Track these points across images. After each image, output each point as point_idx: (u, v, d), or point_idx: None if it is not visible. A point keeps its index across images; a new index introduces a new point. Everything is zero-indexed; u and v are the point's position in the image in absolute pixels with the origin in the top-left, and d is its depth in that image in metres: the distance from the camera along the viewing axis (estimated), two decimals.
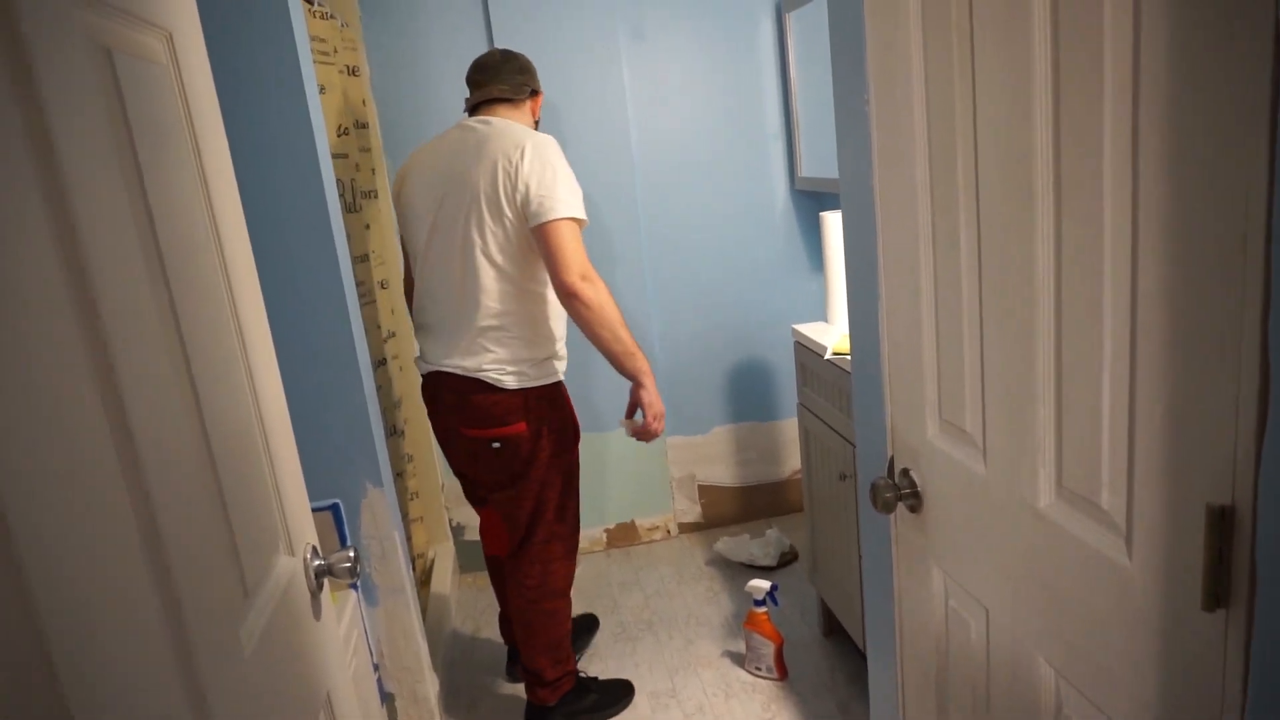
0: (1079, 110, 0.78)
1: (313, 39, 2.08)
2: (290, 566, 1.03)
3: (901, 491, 1.23)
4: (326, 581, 1.11)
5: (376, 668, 2.02)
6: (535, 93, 2.13)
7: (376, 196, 2.70)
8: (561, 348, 2.09)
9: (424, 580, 2.90)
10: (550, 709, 2.21)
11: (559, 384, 2.09)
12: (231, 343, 0.94)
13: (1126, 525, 0.81)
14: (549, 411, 2.05)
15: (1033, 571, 0.97)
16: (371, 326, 2.52)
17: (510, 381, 1.98)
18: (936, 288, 1.10)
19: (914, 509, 1.24)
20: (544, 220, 1.87)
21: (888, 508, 1.24)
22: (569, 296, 1.89)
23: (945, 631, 1.23)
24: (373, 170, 2.65)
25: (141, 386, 0.68)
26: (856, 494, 2.08)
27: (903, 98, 1.10)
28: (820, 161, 2.81)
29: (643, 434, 2.05)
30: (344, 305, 1.82)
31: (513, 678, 2.48)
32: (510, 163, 1.89)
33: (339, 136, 2.32)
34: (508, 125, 1.99)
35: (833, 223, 2.27)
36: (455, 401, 2.02)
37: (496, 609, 2.61)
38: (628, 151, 2.96)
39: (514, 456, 2.02)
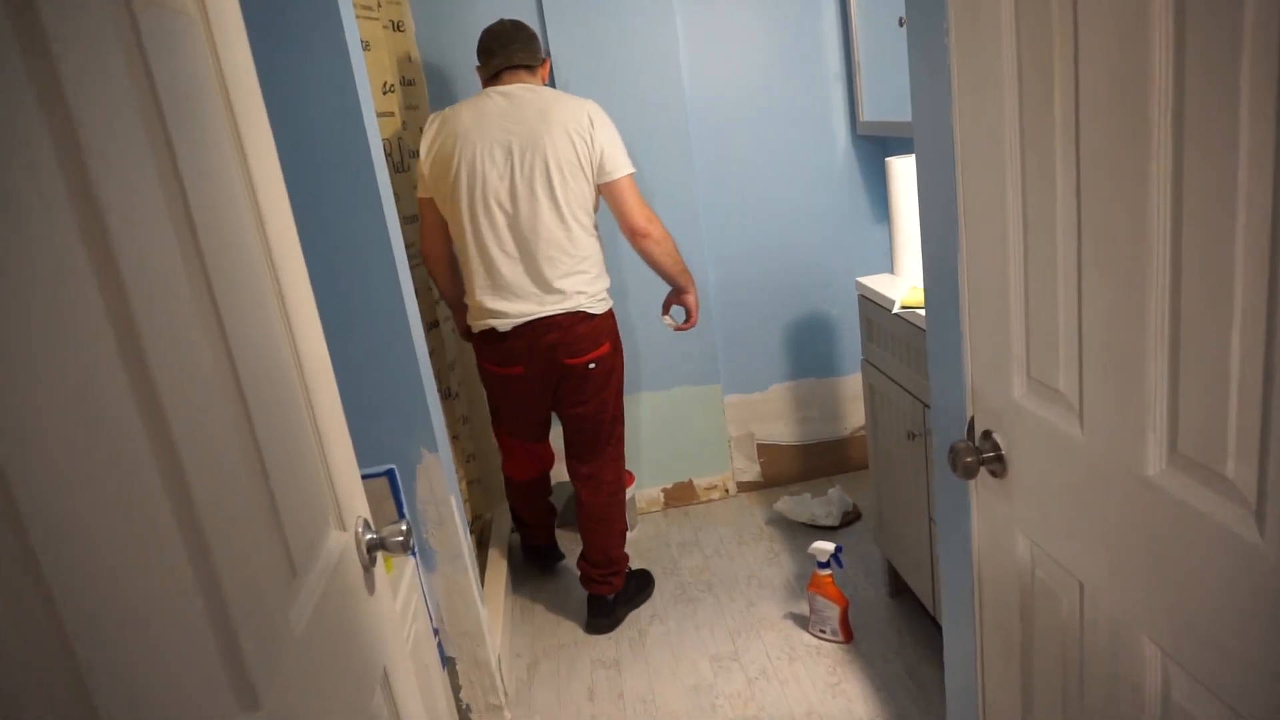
0: (1208, 21, 0.68)
1: None
2: (341, 542, 1.00)
3: (984, 455, 1.14)
4: (380, 555, 1.08)
5: (436, 633, 2.01)
6: (544, 59, 2.35)
7: None
8: None
9: (481, 542, 2.90)
10: (613, 603, 2.54)
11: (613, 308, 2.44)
12: (270, 309, 0.89)
13: (1257, 498, 0.72)
14: (617, 331, 2.42)
15: (1138, 545, 0.88)
16: (423, 289, 2.49)
17: (599, 308, 2.32)
18: (1026, 234, 0.99)
19: (996, 474, 1.15)
20: (615, 178, 2.21)
21: (969, 473, 1.15)
22: (641, 237, 2.27)
23: (1031, 603, 1.15)
24: (420, 129, 2.59)
25: (171, 355, 0.63)
26: (927, 454, 1.99)
27: (989, 24, 0.99)
28: (884, 104, 2.67)
29: (685, 328, 2.56)
30: (393, 266, 1.78)
31: (547, 568, 2.89)
32: (583, 128, 2.17)
33: (384, 94, 2.26)
34: (557, 94, 2.25)
35: (900, 168, 2.14)
36: (559, 337, 2.28)
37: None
38: (681, 99, 2.85)
39: (601, 372, 2.36)
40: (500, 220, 2.20)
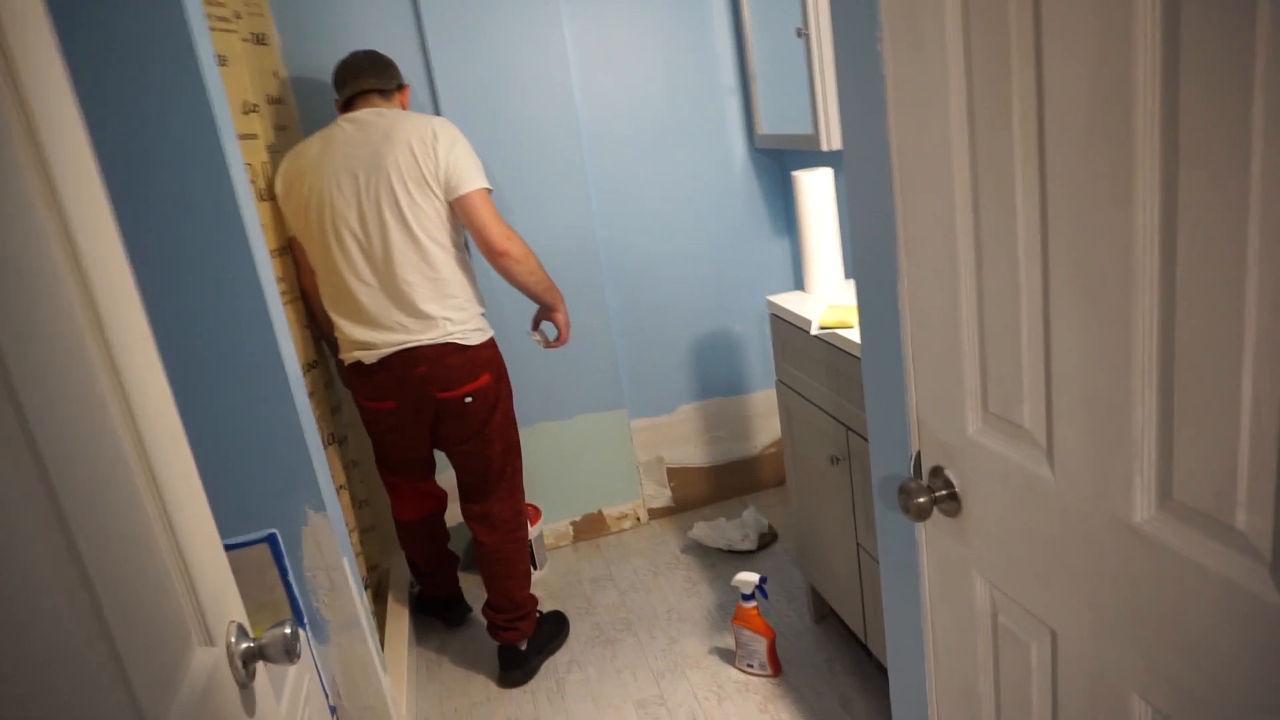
0: (1207, 9, 0.60)
1: (208, 3, 1.80)
2: (209, 660, 0.82)
3: (936, 494, 1.06)
4: (260, 665, 0.90)
5: (334, 711, 1.80)
6: (402, 86, 2.26)
7: None
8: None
9: (378, 594, 2.68)
10: (526, 652, 2.38)
11: (493, 337, 2.29)
12: (94, 382, 0.71)
13: (1273, 551, 0.64)
14: (499, 359, 2.27)
15: (1123, 597, 0.80)
16: (299, 327, 2.27)
17: (474, 338, 2.16)
18: (980, 257, 0.91)
19: (949, 513, 1.06)
20: (463, 192, 2.05)
21: (922, 514, 1.06)
22: (500, 255, 2.11)
23: (993, 651, 1.07)
24: (289, 150, 2.36)
25: None
26: (852, 478, 1.92)
27: (930, 29, 0.90)
28: (782, 117, 2.61)
29: (556, 345, 2.40)
30: (264, 305, 1.58)
31: (453, 622, 2.68)
32: (425, 144, 2.03)
33: (245, 114, 2.04)
34: (404, 113, 2.12)
35: (807, 183, 2.08)
36: (428, 371, 2.13)
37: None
38: (573, 117, 2.72)
39: (482, 405, 2.21)
40: (353, 248, 2.08)
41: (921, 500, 1.05)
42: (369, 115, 2.10)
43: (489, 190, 2.10)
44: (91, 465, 0.67)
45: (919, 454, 1.12)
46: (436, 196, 2.05)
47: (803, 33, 2.13)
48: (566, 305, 2.35)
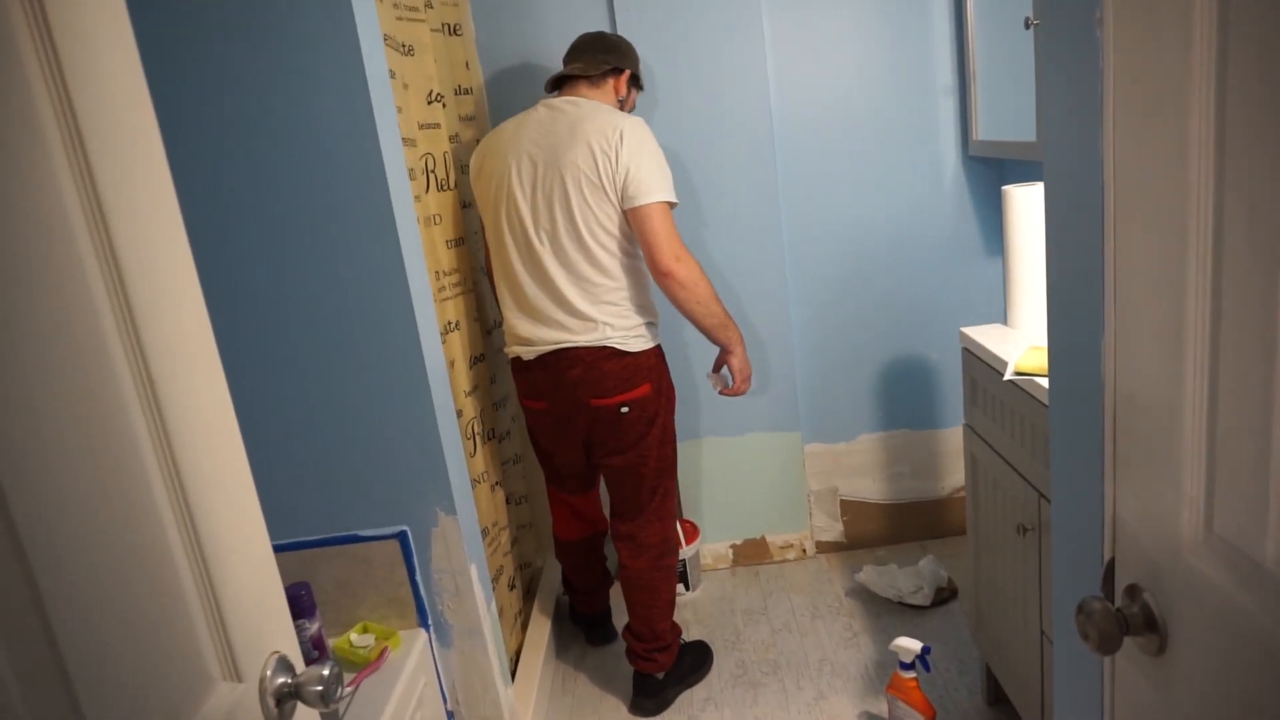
0: None
1: None
2: (231, 697, 0.75)
3: (1130, 622, 0.81)
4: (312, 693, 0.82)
5: (451, 715, 1.76)
6: (618, 71, 2.11)
7: None
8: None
9: (528, 593, 2.66)
10: (663, 680, 2.24)
11: (660, 346, 2.16)
12: (100, 373, 0.65)
13: None
14: (663, 370, 2.14)
15: None
16: (470, 319, 2.26)
17: (635, 344, 2.04)
18: (1219, 319, 0.66)
19: (1148, 650, 0.81)
20: (639, 204, 1.93)
21: (1107, 646, 0.81)
22: (664, 276, 1.96)
23: None
24: (477, 140, 2.37)
25: None
26: (1041, 553, 1.62)
27: (1172, 11, 0.66)
28: (1002, 122, 2.30)
29: (731, 393, 2.20)
30: (409, 305, 1.54)
31: (595, 641, 2.56)
32: (607, 144, 1.92)
33: (429, 104, 2.05)
34: (597, 107, 2.01)
35: (1020, 200, 1.78)
36: (582, 374, 2.03)
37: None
38: (765, 115, 2.54)
39: (639, 418, 2.08)
40: (522, 237, 2.02)
41: (1108, 629, 0.80)
42: (564, 103, 2.03)
43: (670, 204, 1.96)
44: (74, 460, 0.60)
45: (1111, 562, 0.87)
46: (611, 201, 1.95)
47: (1033, 23, 1.83)
48: (745, 346, 2.15)
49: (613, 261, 2.00)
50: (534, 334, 2.05)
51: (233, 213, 1.49)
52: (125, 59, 0.72)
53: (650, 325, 2.09)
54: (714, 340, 2.10)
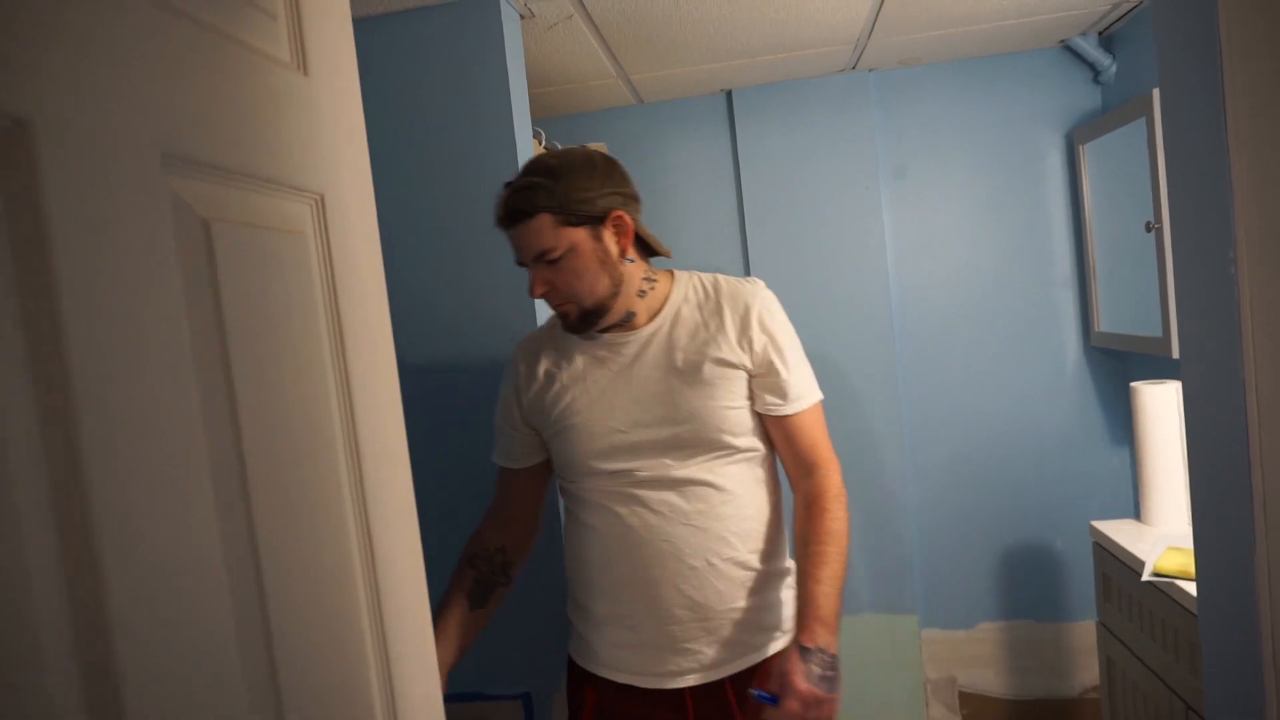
0: None
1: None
2: None
3: None
4: None
5: None
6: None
7: None
8: None
9: None
10: None
11: None
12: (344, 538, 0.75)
13: None
14: None
15: None
16: None
17: None
18: None
19: None
20: None
21: None
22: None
23: None
24: None
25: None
26: None
27: None
28: (1123, 315, 2.33)
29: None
30: None
31: None
32: None
33: None
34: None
35: (1150, 398, 1.79)
36: None
37: None
38: (886, 303, 2.65)
39: None
40: None
41: None
42: None
43: None
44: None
45: None
46: None
47: (1153, 227, 1.90)
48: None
49: None
50: None
51: None
52: (375, 277, 0.87)
53: None
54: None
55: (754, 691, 1.22)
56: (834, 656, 1.21)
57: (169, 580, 0.51)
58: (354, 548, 0.76)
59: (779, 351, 1.33)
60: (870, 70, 2.60)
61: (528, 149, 1.67)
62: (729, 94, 2.67)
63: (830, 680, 1.18)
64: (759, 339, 1.32)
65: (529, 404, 1.36)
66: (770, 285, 2.60)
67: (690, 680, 1.30)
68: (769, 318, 1.34)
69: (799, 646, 1.19)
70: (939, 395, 2.70)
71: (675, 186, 2.72)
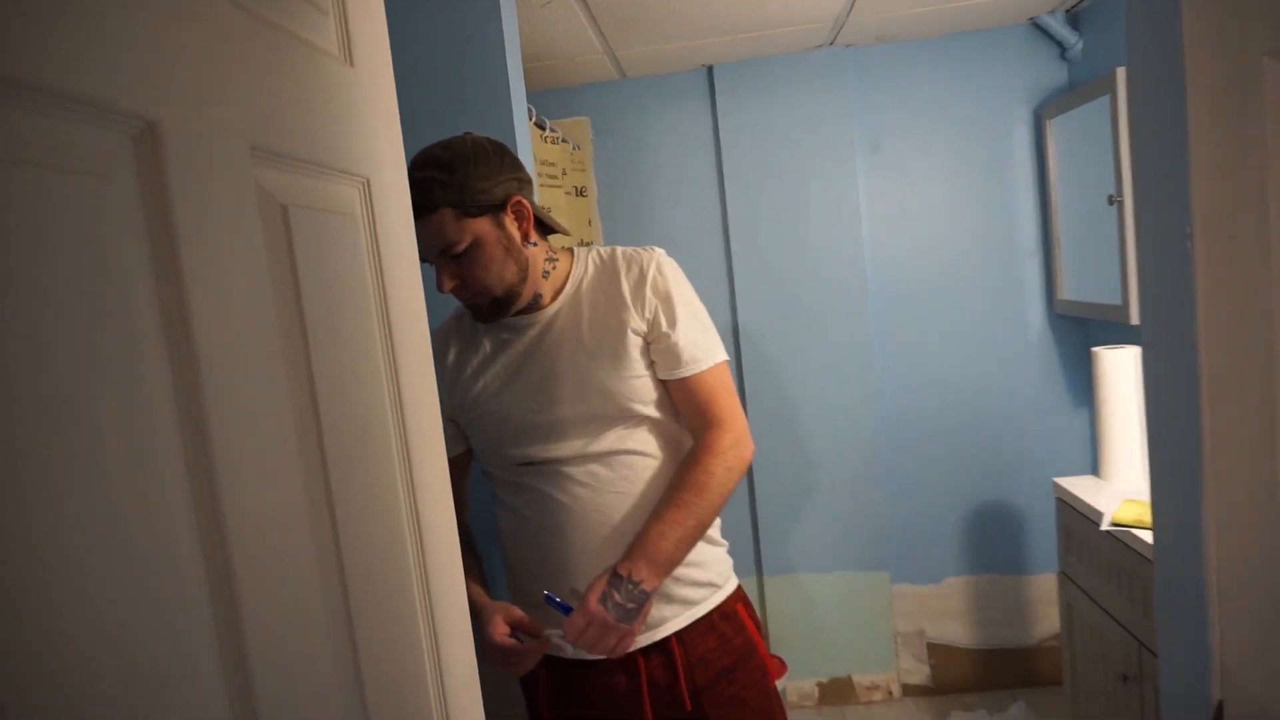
0: None
1: (542, 163, 2.08)
2: None
3: None
4: None
5: None
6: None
7: None
8: None
9: None
10: None
11: None
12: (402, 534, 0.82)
13: None
14: None
15: None
16: None
17: None
18: None
19: None
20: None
21: None
22: None
23: None
24: None
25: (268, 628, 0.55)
26: (1143, 703, 1.65)
27: (1249, 224, 0.82)
28: (1085, 283, 2.44)
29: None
30: None
31: None
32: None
33: None
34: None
35: (1110, 363, 1.91)
36: None
37: None
38: (861, 272, 2.74)
39: None
40: None
41: None
42: None
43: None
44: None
45: (1220, 706, 0.95)
46: None
47: (1115, 200, 2.00)
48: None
49: None
50: None
51: None
52: (411, 256, 0.93)
53: None
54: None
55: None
56: (646, 593, 1.23)
57: (270, 535, 0.58)
58: (403, 510, 0.83)
59: (671, 315, 1.31)
60: (848, 46, 2.67)
61: (524, 126, 1.72)
62: (710, 69, 2.73)
63: (629, 612, 1.22)
64: (650, 303, 1.31)
65: (443, 395, 1.37)
66: (748, 255, 2.72)
67: (639, 643, 1.32)
68: (661, 282, 1.32)
69: (613, 571, 1.23)
70: (910, 361, 2.81)
71: (657, 159, 2.78)
